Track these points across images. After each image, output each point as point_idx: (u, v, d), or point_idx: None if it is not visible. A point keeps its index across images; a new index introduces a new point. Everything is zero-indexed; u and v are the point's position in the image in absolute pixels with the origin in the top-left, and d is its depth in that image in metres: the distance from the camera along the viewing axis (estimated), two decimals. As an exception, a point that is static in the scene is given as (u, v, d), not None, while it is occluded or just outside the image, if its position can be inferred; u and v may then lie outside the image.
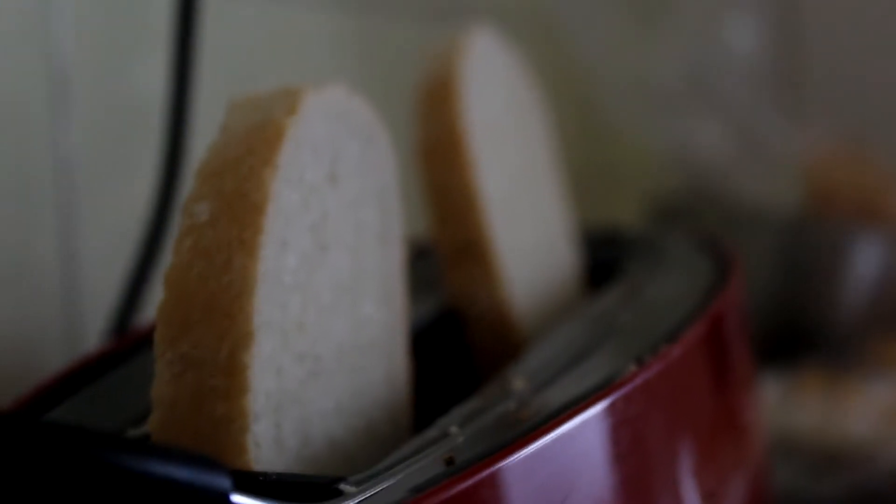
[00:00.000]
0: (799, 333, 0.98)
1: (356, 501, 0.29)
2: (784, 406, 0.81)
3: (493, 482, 0.30)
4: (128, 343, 0.44)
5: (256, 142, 0.35)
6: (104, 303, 0.60)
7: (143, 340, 0.43)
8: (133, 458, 0.24)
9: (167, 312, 0.33)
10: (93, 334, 0.61)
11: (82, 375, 0.43)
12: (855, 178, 1.08)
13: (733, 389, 0.46)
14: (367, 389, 0.39)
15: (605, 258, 0.60)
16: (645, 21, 1.07)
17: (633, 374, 0.35)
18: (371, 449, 0.38)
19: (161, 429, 0.33)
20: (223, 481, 0.26)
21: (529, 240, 0.56)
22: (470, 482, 0.29)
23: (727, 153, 1.05)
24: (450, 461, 0.31)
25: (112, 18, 0.65)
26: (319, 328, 0.37)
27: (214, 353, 0.33)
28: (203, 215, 0.34)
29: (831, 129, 1.11)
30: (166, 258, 0.54)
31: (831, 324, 0.98)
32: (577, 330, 0.46)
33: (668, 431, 0.38)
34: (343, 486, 0.30)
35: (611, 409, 0.34)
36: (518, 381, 0.38)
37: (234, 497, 0.27)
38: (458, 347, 0.50)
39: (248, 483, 0.28)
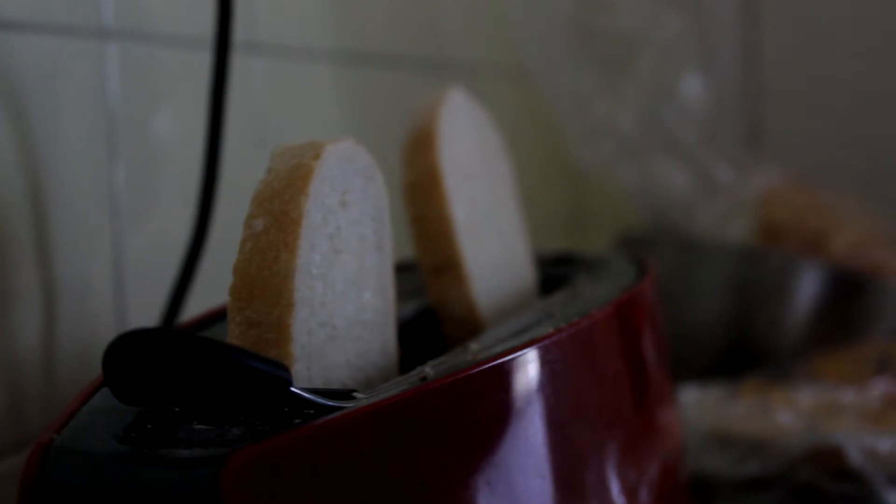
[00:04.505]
0: (747, 350, 1.11)
1: (364, 398, 0.47)
2: (723, 404, 0.93)
3: (449, 389, 0.48)
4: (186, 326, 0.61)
5: (293, 178, 0.52)
6: (147, 309, 0.75)
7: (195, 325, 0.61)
8: (241, 355, 0.44)
9: (237, 290, 0.50)
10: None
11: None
12: (802, 216, 1.19)
13: (641, 359, 0.64)
14: (367, 353, 0.56)
15: (559, 274, 0.75)
16: (610, 74, 1.18)
17: (548, 335, 0.54)
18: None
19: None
20: (288, 375, 0.45)
21: (493, 257, 0.69)
22: (434, 387, 0.48)
23: (685, 192, 1.17)
24: (423, 378, 0.49)
25: (149, 72, 0.78)
26: (335, 306, 0.54)
27: (268, 316, 0.50)
28: (259, 227, 0.51)
29: (783, 171, 1.23)
30: (203, 267, 0.71)
31: (775, 342, 1.11)
32: (523, 317, 0.61)
33: (578, 377, 0.56)
34: (355, 394, 0.48)
35: (530, 356, 0.52)
36: (474, 345, 0.56)
37: (293, 388, 0.45)
38: (437, 339, 0.66)
39: (299, 387, 0.47)
